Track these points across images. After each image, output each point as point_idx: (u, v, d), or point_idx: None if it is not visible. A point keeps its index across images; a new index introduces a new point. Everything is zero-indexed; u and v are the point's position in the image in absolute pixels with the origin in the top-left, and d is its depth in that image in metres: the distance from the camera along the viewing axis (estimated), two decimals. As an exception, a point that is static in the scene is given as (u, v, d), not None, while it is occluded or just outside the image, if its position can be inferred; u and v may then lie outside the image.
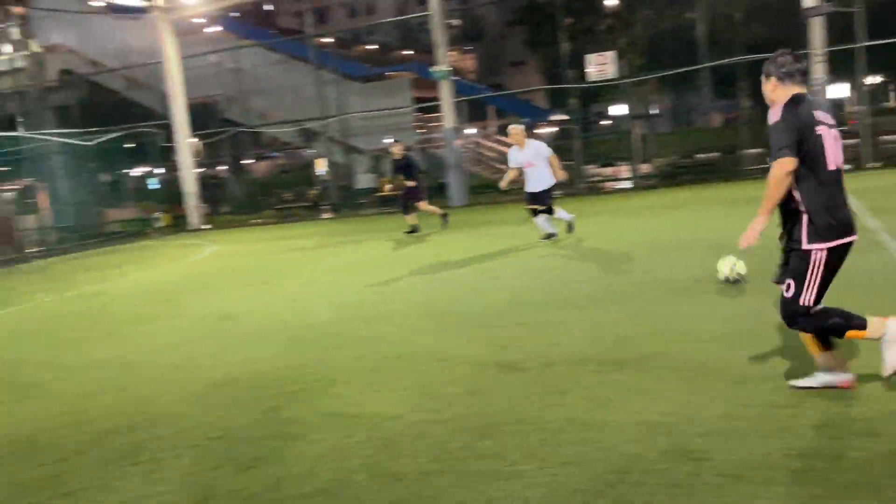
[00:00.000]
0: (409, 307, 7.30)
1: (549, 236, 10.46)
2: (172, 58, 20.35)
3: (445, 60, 18.83)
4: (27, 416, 5.07)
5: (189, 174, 20.92)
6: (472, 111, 25.13)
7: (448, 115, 19.01)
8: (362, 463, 3.66)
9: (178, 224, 21.66)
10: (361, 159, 22.89)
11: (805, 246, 3.66)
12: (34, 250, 19.09)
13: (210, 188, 23.93)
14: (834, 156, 3.66)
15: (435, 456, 3.65)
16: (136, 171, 25.77)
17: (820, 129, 3.63)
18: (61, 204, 22.50)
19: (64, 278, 12.91)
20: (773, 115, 3.69)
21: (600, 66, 18.35)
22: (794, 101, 3.67)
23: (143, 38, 22.68)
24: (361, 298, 8.02)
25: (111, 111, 25.70)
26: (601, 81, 18.91)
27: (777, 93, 3.76)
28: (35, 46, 26.19)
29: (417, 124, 22.97)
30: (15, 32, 25.69)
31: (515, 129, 10.45)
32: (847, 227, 3.68)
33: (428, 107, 21.68)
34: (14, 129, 23.80)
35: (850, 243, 3.70)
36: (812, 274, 3.66)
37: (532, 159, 10.18)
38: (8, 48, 25.64)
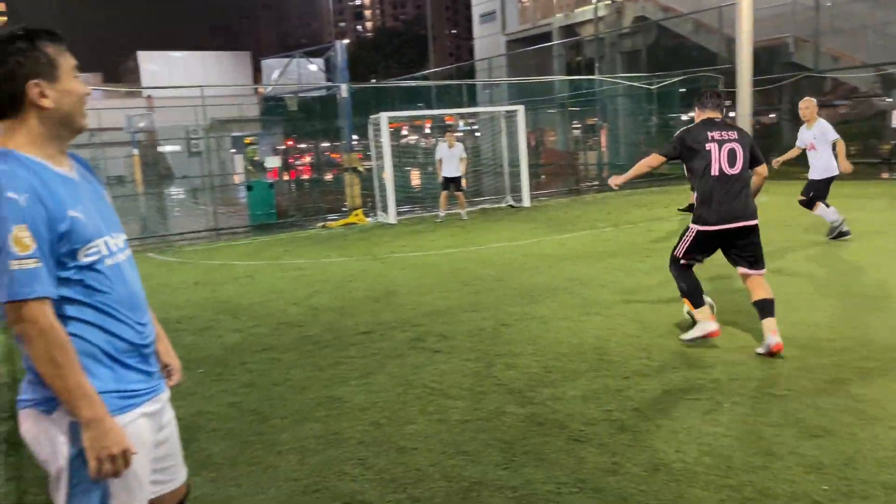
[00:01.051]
0: None
1: (838, 234, 8.81)
2: (745, -2, 19.66)
3: None
4: (592, 329, 5.66)
5: (745, 120, 20.31)
6: None
7: None
8: (962, 472, 3.06)
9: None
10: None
11: (691, 224, 4.93)
12: (591, 184, 21.22)
13: (759, 137, 22.88)
14: (723, 164, 4.78)
15: None
16: (685, 116, 26.15)
17: (710, 146, 4.80)
18: (617, 143, 24.40)
19: (617, 212, 13.99)
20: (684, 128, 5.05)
21: None
22: (702, 124, 4.94)
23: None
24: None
25: (673, 56, 26.50)
26: None
27: (697, 116, 5.06)
28: (617, -5, 28.44)
29: None
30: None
31: (807, 102, 8.63)
32: (724, 218, 4.75)
33: None
34: (592, 73, 26.48)
35: (725, 230, 4.77)
36: (685, 239, 4.95)
37: (814, 141, 8.82)
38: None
